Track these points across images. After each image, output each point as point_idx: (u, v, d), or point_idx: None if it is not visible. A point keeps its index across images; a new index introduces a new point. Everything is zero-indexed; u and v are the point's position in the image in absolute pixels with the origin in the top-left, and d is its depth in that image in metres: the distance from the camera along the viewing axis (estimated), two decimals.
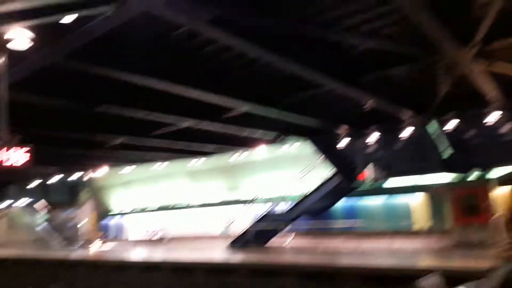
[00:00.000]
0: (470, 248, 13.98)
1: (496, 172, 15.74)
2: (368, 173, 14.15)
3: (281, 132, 14.82)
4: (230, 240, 19.15)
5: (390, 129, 13.86)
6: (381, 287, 11.40)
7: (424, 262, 12.60)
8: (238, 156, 18.65)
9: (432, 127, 13.50)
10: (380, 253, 14.42)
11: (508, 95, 10.88)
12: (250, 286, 13.99)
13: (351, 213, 20.09)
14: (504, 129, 12.89)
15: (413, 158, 14.55)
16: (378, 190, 18.61)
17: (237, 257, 15.85)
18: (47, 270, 21.84)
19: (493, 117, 12.15)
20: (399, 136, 13.92)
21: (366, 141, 14.63)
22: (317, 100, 11.97)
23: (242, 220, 19.79)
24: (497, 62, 8.74)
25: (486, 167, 14.59)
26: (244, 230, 18.67)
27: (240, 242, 18.61)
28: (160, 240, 27.20)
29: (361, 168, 14.32)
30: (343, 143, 14.93)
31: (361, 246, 15.62)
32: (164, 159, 20.08)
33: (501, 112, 12.02)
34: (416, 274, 9.76)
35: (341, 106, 12.72)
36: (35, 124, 11.73)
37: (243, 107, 10.66)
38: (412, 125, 13.13)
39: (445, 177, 15.51)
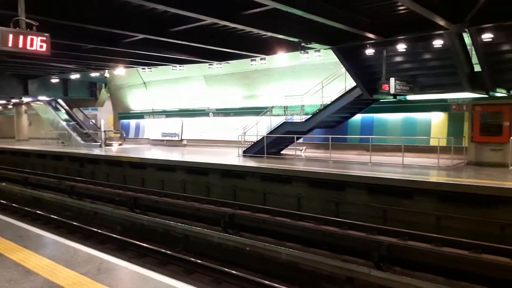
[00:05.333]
0: (484, 167, 14.08)
1: None
2: (390, 86, 13.71)
3: (305, 37, 14.14)
4: (245, 147, 19.64)
5: (420, 39, 13.08)
6: (386, 197, 11.85)
7: (432, 177, 12.76)
8: (258, 62, 18.17)
9: (466, 38, 12.68)
10: (390, 166, 14.63)
11: None
12: (261, 190, 14.67)
13: (368, 127, 20.06)
14: None
15: (440, 72, 13.98)
16: (397, 105, 18.31)
17: (250, 163, 16.37)
18: (71, 164, 23.18)
19: None
20: (429, 47, 13.18)
21: (393, 51, 13.96)
22: (343, 0, 11.18)
23: (258, 128, 20.01)
24: None
25: None
26: (260, 138, 19.01)
27: (254, 149, 19.07)
28: (178, 142, 28.08)
29: (383, 80, 13.86)
30: (368, 52, 14.28)
31: (374, 159, 15.82)
32: (182, 61, 19.75)
33: None
34: (419, 188, 10.10)
35: (371, 8, 11.87)
36: (53, 13, 11.41)
37: (266, 2, 9.97)
38: (445, 35, 12.32)
39: (468, 95, 15.03)
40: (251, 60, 17.89)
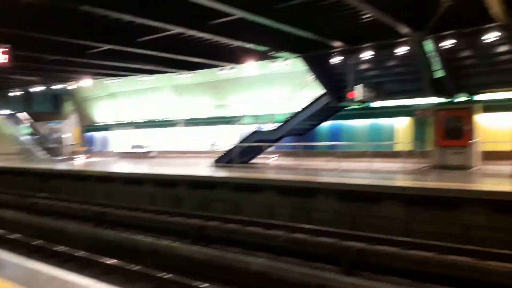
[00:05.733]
0: (447, 170, 14.51)
1: (484, 97, 15.83)
2: (357, 93, 13.99)
3: (273, 46, 14.27)
4: (216, 156, 19.48)
5: (385, 46, 13.45)
6: (355, 203, 11.99)
7: (399, 181, 13.01)
8: (227, 72, 18.19)
9: (428, 45, 13.12)
10: (359, 172, 14.84)
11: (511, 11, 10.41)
12: (233, 200, 14.53)
13: (337, 134, 20.35)
14: (500, 50, 12.64)
15: (404, 79, 14.39)
16: (364, 112, 18.69)
17: (221, 173, 16.22)
18: (34, 181, 22.25)
19: (490, 37, 11.78)
20: (393, 54, 13.56)
21: (359, 59, 14.27)
22: (312, 8, 11.35)
23: (228, 137, 19.93)
24: None
25: (475, 91, 14.54)
26: (230, 147, 18.92)
27: (226, 158, 18.95)
28: (145, 154, 27.57)
29: (350, 87, 14.13)
30: (336, 60, 14.54)
31: (343, 165, 16.01)
32: (150, 72, 19.50)
33: (499, 32, 11.63)
34: (385, 192, 10.24)
35: (337, 17, 12.11)
36: (14, 24, 11.02)
37: (234, 12, 10.00)
38: (408, 42, 12.72)
39: (431, 100, 15.52)
40: (220, 69, 17.87)
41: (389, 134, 18.86)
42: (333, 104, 15.97)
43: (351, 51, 14.07)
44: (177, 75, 19.87)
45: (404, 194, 11.22)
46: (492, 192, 10.18)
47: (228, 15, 10.58)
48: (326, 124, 19.97)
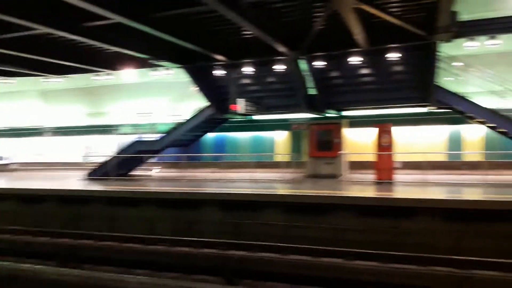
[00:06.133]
0: (320, 179, 15.77)
1: (350, 113, 17.73)
2: (240, 106, 14.38)
3: (154, 54, 13.82)
4: (90, 169, 17.98)
5: (264, 63, 14.13)
6: (238, 212, 12.21)
7: (277, 190, 13.66)
8: (104, 78, 17.03)
9: (303, 64, 14.17)
10: (242, 182, 15.19)
11: (371, 39, 11.86)
12: (108, 216, 13.53)
13: (221, 146, 20.59)
14: (363, 73, 14.31)
15: (282, 94, 15.29)
16: (247, 124, 19.33)
17: (95, 187, 15.02)
18: None
19: (355, 60, 13.25)
20: (272, 71, 14.31)
21: (241, 73, 14.72)
22: (194, 20, 11.33)
23: (105, 147, 18.60)
24: (366, 3, 9.34)
25: (342, 108, 16.15)
26: (106, 159, 17.65)
27: (101, 171, 17.61)
28: (3, 166, 24.08)
29: (233, 100, 14.45)
30: (218, 73, 14.75)
31: (226, 176, 16.20)
32: (12, 74, 17.17)
33: (361, 57, 13.16)
34: (266, 201, 10.59)
35: (219, 31, 12.32)
36: None
37: (109, 15, 9.38)
38: (285, 61, 13.56)
39: (306, 115, 16.79)
40: (95, 75, 16.65)
41: (270, 146, 19.82)
42: (217, 116, 16.13)
43: (233, 65, 14.44)
44: (45, 79, 17.88)
45: (283, 201, 11.81)
46: (357, 197, 11.33)
47: (104, 18, 9.88)
48: (211, 136, 20.08)
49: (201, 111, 16.59)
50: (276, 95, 15.37)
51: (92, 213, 13.76)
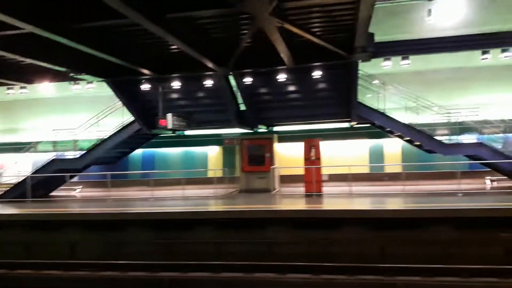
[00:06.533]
0: (253, 193, 15.85)
1: (280, 128, 18.14)
2: (169, 121, 14.03)
3: (73, 67, 13.03)
4: (2, 190, 16.35)
5: (193, 78, 13.98)
6: (169, 231, 11.80)
7: (210, 206, 13.47)
8: (18, 91, 15.67)
9: (232, 80, 14.25)
10: (173, 200, 14.77)
11: (296, 58, 12.28)
12: (24, 242, 12.33)
13: (149, 162, 19.89)
14: (290, 90, 14.75)
15: (213, 110, 15.21)
16: (178, 140, 18.92)
17: (7, 210, 13.67)
18: None
19: (282, 77, 13.61)
20: (202, 86, 14.19)
21: (169, 88, 14.42)
22: (117, 33, 10.88)
23: (20, 167, 17.06)
24: (289, 23, 9.66)
25: (272, 123, 16.47)
26: (22, 179, 16.17)
27: (15, 192, 16.08)
28: None
29: (161, 115, 14.07)
30: (145, 87, 14.32)
31: (156, 194, 15.63)
32: None
33: (287, 75, 13.57)
34: (198, 218, 10.41)
35: (145, 45, 11.98)
36: None
37: (19, 24, 8.63)
38: (214, 76, 13.54)
39: (237, 130, 16.87)
40: (8, 88, 15.28)
41: (202, 162, 19.56)
42: (144, 131, 15.60)
43: (161, 80, 14.12)
44: None
45: (216, 218, 11.63)
46: (289, 211, 11.52)
47: (15, 27, 9.08)
48: (139, 152, 19.33)
49: (127, 126, 15.94)
50: (207, 110, 15.26)
51: (4, 239, 12.43)
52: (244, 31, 10.95)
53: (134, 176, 19.53)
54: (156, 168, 19.13)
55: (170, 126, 13.85)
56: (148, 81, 14.19)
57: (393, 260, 9.77)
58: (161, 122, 13.77)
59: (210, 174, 18.05)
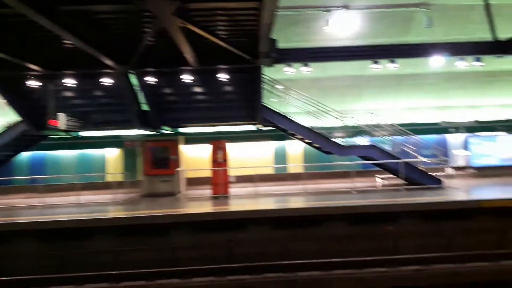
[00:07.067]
0: (157, 198, 15.26)
1: (186, 130, 17.81)
2: (61, 122, 12.86)
3: None
4: None
5: (89, 76, 13.01)
6: (62, 242, 10.83)
7: (109, 213, 12.67)
8: None
9: (133, 79, 13.58)
10: (66, 207, 13.58)
11: (201, 59, 12.15)
12: None
13: (39, 166, 18.02)
14: (195, 91, 14.54)
15: (112, 110, 14.33)
16: (72, 141, 17.46)
17: None
18: None
19: (186, 78, 13.34)
20: (99, 84, 13.27)
21: (61, 85, 13.23)
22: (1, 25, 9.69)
23: None
24: (192, 24, 9.51)
25: (177, 125, 16.07)
26: None
27: None
28: None
29: (52, 115, 12.83)
30: (33, 84, 12.94)
31: (46, 201, 14.20)
32: None
33: (192, 76, 13.35)
34: (94, 226, 9.71)
35: (33, 38, 10.83)
36: None
37: None
38: (113, 75, 12.76)
39: (139, 131, 16.14)
40: None
41: (101, 165, 18.30)
42: (32, 132, 14.10)
43: (52, 76, 12.90)
44: None
45: (115, 225, 10.94)
46: (194, 214, 11.30)
47: None
48: (27, 155, 17.41)
49: (11, 127, 14.27)
50: (106, 110, 14.32)
51: None
52: (146, 29, 10.51)
53: (21, 182, 17.52)
54: (48, 173, 17.40)
55: (62, 126, 12.70)
56: (37, 77, 12.85)
57: (295, 257, 10.18)
58: (51, 122, 12.55)
59: (109, 178, 16.97)
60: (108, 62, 11.35)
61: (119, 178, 16.13)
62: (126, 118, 14.20)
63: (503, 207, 11.10)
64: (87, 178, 16.95)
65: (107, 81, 12.95)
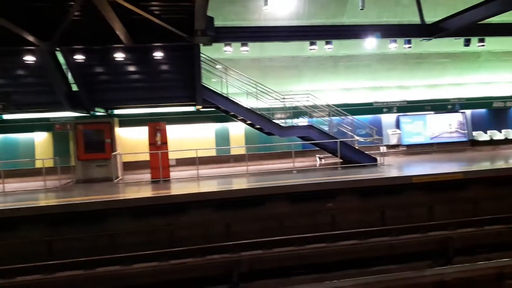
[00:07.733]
0: (92, 183, 14.49)
1: (122, 111, 16.97)
2: None
3: None
4: None
5: (9, 53, 11.84)
6: None
7: (39, 201, 11.84)
8: None
9: (60, 58, 12.58)
10: None
11: (134, 37, 11.50)
12: None
13: None
14: (129, 70, 13.80)
15: (37, 90, 13.22)
16: None
17: None
18: None
19: (119, 56, 12.61)
20: (22, 62, 12.14)
21: None
22: None
23: None
24: None
25: (110, 106, 15.25)
26: None
27: None
28: None
29: None
30: None
31: None
32: None
33: (126, 54, 12.65)
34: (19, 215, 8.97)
35: None
36: None
37: None
38: (36, 52, 11.70)
39: (70, 113, 15.13)
40: None
41: (28, 150, 16.93)
42: None
43: None
44: None
45: (45, 214, 10.23)
46: (131, 199, 10.86)
47: None
48: None
49: None
50: (30, 91, 13.15)
51: None
52: (71, 2, 9.69)
53: None
54: None
55: None
56: None
57: (238, 237, 10.20)
58: None
59: (38, 164, 15.78)
60: (30, 38, 10.36)
61: (49, 164, 15.07)
62: (53, 100, 13.17)
63: (432, 181, 11.91)
64: (12, 164, 15.64)
65: (29, 58, 11.86)
